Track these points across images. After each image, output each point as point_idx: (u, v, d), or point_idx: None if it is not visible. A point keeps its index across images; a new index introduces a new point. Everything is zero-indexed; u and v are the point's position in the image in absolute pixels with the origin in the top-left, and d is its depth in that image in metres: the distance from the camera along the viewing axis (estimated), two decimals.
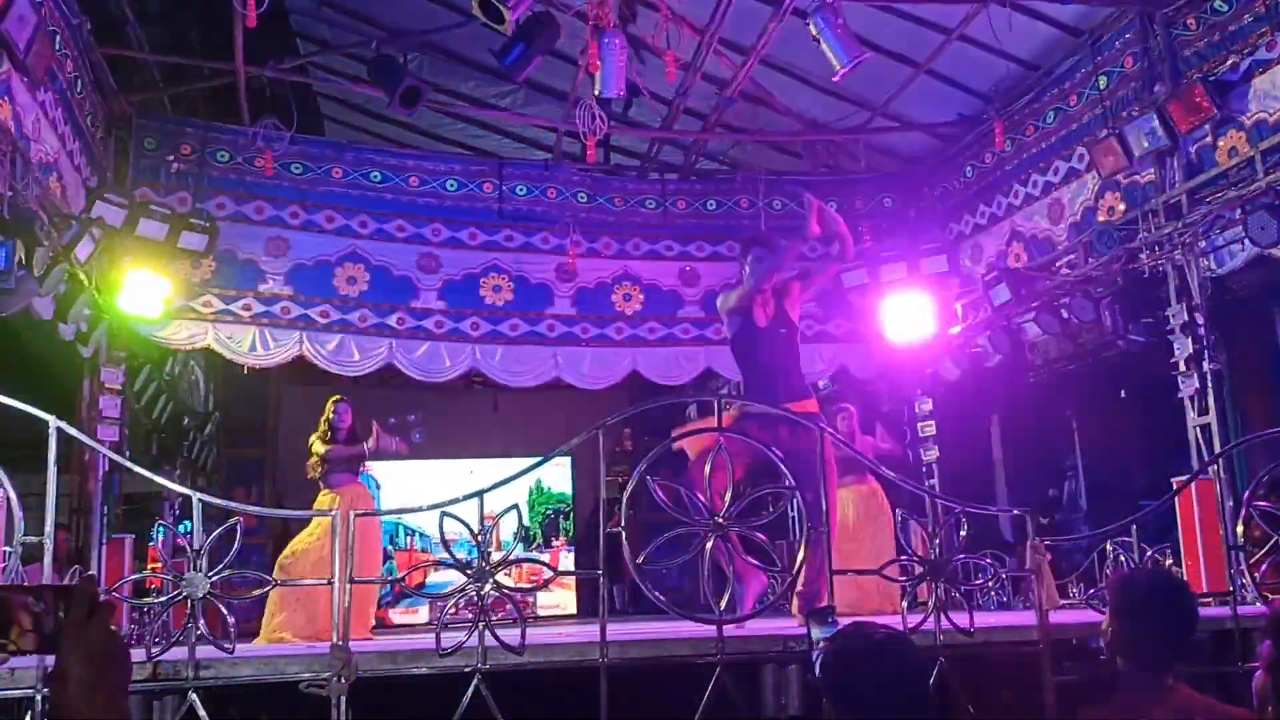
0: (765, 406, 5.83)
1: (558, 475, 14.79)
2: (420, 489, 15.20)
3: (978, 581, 4.09)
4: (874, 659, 2.32)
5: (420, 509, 3.77)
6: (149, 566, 10.61)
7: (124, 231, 9.08)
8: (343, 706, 3.20)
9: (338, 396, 8.67)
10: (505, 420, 14.07)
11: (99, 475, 9.23)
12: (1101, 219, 9.42)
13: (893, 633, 2.41)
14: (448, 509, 3.58)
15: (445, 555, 3.56)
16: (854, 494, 8.72)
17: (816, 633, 3.64)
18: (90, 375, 9.50)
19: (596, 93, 8.59)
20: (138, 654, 3.33)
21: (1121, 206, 9.27)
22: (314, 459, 8.32)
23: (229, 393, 13.36)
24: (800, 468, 4.35)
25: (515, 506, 3.53)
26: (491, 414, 14.07)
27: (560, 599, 13.64)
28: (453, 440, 14.31)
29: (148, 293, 9.33)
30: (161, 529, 9.72)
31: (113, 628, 1.44)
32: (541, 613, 12.48)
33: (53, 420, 3.26)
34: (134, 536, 9.62)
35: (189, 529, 3.76)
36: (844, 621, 4.11)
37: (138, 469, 3.83)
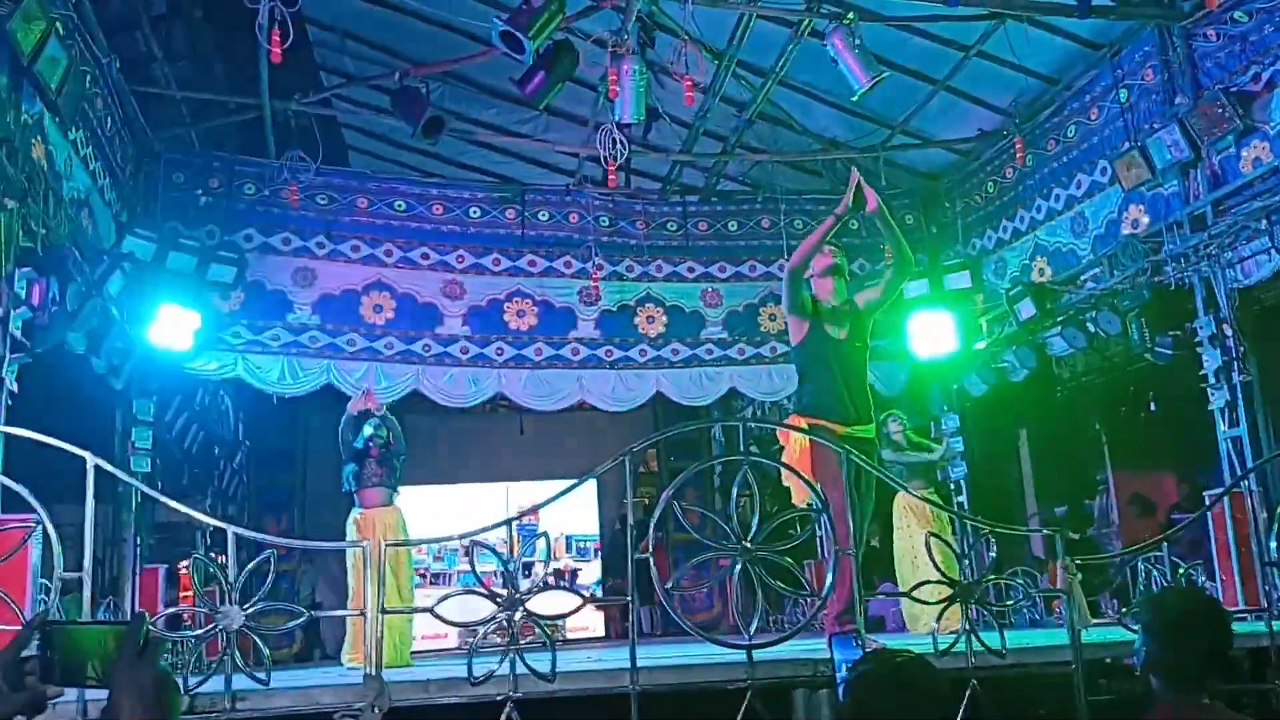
0: (838, 426, 5.76)
1: (584, 496, 14.78)
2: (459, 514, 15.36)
3: (1009, 603, 4.06)
4: (897, 684, 2.32)
5: (451, 538, 3.79)
6: (181, 594, 10.71)
7: (154, 265, 9.22)
8: None
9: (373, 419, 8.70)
10: (531, 443, 14.08)
11: (132, 506, 9.34)
12: (1126, 232, 9.38)
13: (915, 658, 2.41)
14: (477, 538, 3.61)
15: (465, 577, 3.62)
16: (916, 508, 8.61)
17: (840, 656, 3.66)
18: (122, 407, 9.63)
19: (616, 118, 8.66)
20: None
21: (1145, 219, 9.23)
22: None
23: (259, 421, 13.43)
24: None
25: (545, 534, 3.56)
26: (517, 437, 14.09)
27: (588, 620, 13.63)
28: (479, 464, 14.36)
29: (178, 325, 9.45)
30: (195, 561, 9.81)
31: (163, 663, 1.48)
32: (569, 635, 12.46)
33: (90, 457, 3.30)
34: (167, 566, 9.70)
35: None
36: (871, 644, 4.13)
37: (172, 503, 3.87)
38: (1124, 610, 3.58)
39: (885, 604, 10.41)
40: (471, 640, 3.70)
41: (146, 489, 4.17)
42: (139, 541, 9.37)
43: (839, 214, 5.84)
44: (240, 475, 13.52)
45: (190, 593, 10.74)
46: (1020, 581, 8.81)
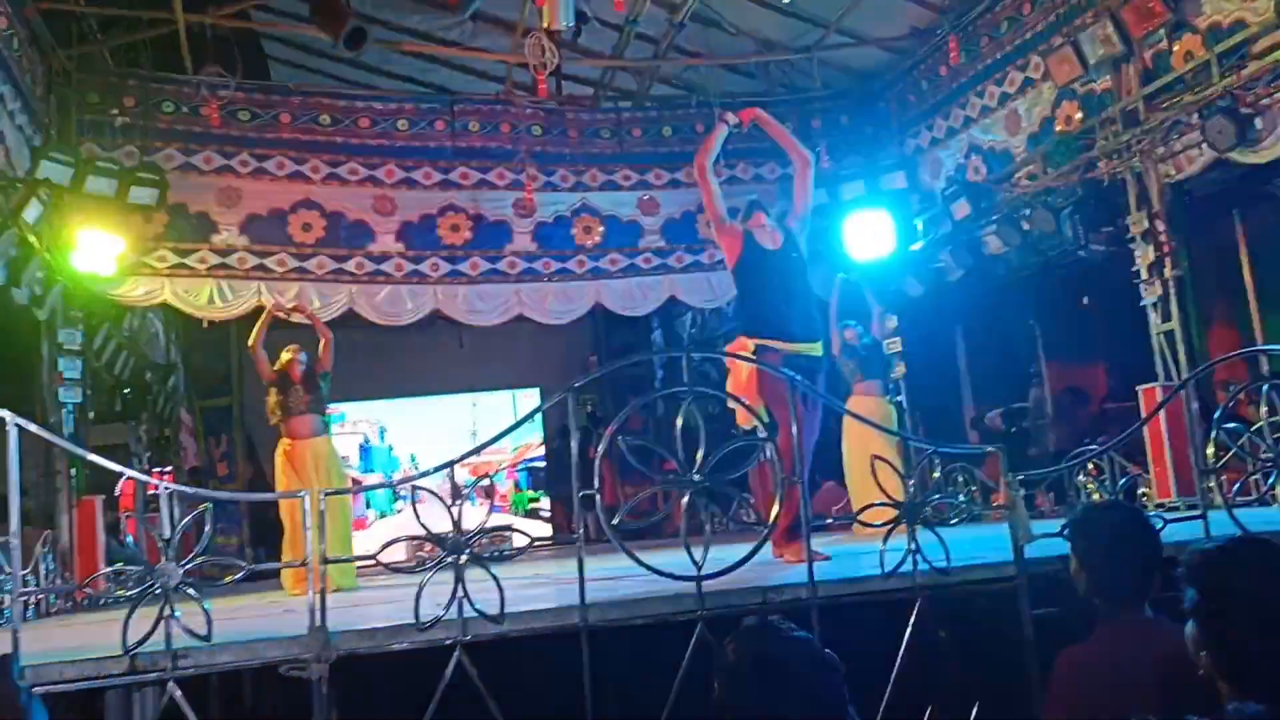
0: (781, 344, 5.70)
1: (525, 406, 14.84)
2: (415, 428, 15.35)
3: (954, 522, 4.09)
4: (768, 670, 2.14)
5: (393, 484, 3.74)
6: (120, 514, 10.58)
7: (72, 190, 8.92)
8: (324, 688, 3.20)
9: (293, 346, 8.41)
10: (471, 356, 14.00)
11: (64, 435, 9.10)
12: (1059, 129, 9.38)
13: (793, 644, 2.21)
14: (418, 483, 3.56)
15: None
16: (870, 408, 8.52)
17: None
18: (48, 337, 9.36)
19: (545, 24, 8.42)
20: (114, 642, 3.30)
21: (1079, 115, 9.23)
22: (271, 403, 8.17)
23: (191, 344, 13.21)
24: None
25: (490, 477, 3.51)
26: (457, 350, 13.98)
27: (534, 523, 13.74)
28: (420, 378, 14.30)
29: (101, 250, 9.20)
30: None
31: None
32: (517, 541, 12.49)
33: (9, 417, 3.16)
34: (104, 496, 9.54)
35: None
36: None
37: (93, 456, 3.73)
38: (1063, 527, 3.60)
39: (828, 499, 10.44)
40: (419, 577, 3.65)
41: (70, 446, 4.02)
42: (73, 473, 9.17)
43: (727, 121, 6.10)
44: (173, 399, 13.32)
45: (131, 513, 10.65)
46: (960, 479, 9.04)
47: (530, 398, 14.87)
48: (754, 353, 5.61)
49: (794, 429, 3.93)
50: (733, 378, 5.62)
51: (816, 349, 5.91)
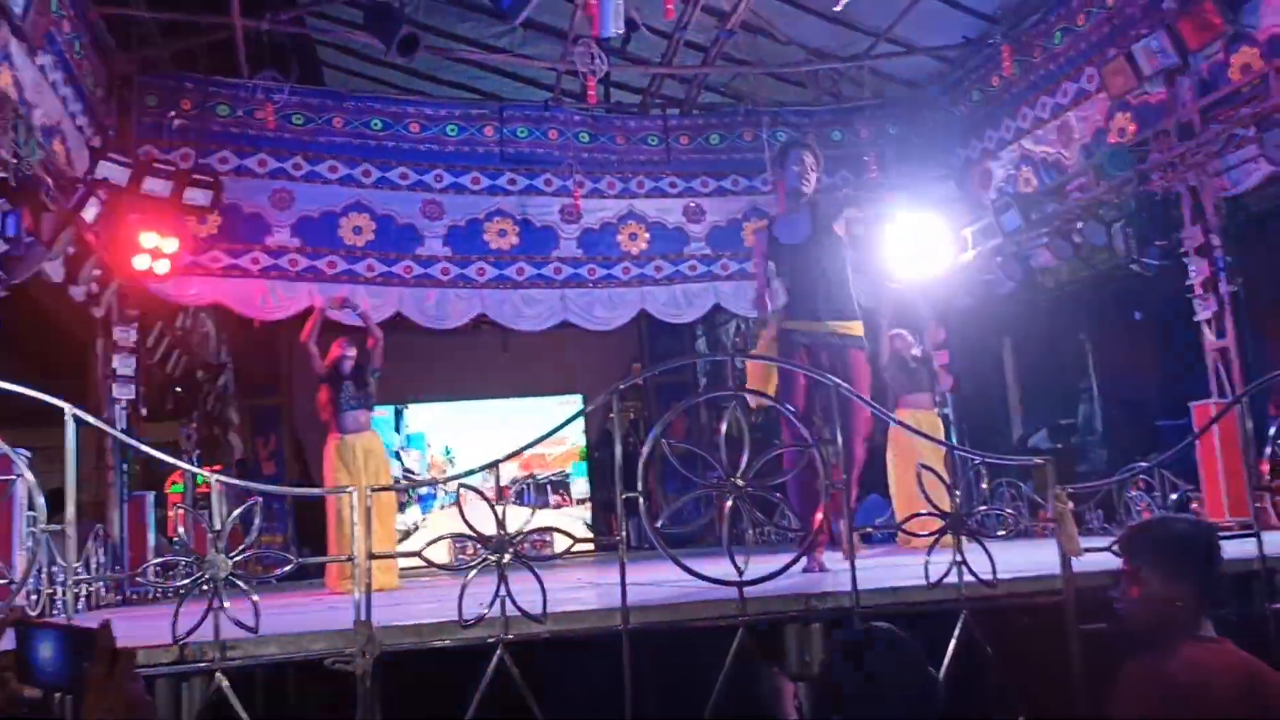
0: (807, 324, 5.62)
1: (567, 411, 14.81)
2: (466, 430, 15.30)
3: (1000, 533, 4.05)
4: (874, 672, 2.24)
5: (437, 481, 3.76)
6: (170, 512, 10.74)
7: (129, 190, 9.05)
8: (368, 682, 3.23)
9: (343, 339, 8.48)
10: (515, 360, 14.07)
11: (116, 430, 9.25)
12: (1112, 140, 9.28)
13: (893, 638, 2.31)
14: (464, 480, 3.59)
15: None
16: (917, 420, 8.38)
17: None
18: (103, 335, 9.56)
19: (594, 32, 8.47)
20: (163, 633, 3.36)
21: (1132, 127, 9.12)
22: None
23: (242, 343, 13.38)
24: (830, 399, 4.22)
25: (532, 476, 3.52)
26: (501, 354, 14.06)
27: (575, 530, 13.74)
28: (464, 382, 14.36)
29: (156, 250, 9.33)
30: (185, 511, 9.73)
31: (135, 672, 1.41)
32: (560, 543, 12.53)
33: (68, 408, 3.22)
34: (154, 493, 9.70)
35: None
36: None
37: (147, 449, 3.79)
38: (1112, 543, 3.54)
39: (870, 514, 10.37)
40: (461, 575, 3.67)
41: (125, 438, 4.11)
42: (125, 469, 9.33)
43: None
44: (223, 398, 13.49)
45: (181, 505, 10.81)
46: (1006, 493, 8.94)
47: (574, 400, 14.87)
48: (776, 336, 5.57)
49: (806, 415, 3.89)
50: (750, 373, 5.55)
51: (848, 327, 5.73)
